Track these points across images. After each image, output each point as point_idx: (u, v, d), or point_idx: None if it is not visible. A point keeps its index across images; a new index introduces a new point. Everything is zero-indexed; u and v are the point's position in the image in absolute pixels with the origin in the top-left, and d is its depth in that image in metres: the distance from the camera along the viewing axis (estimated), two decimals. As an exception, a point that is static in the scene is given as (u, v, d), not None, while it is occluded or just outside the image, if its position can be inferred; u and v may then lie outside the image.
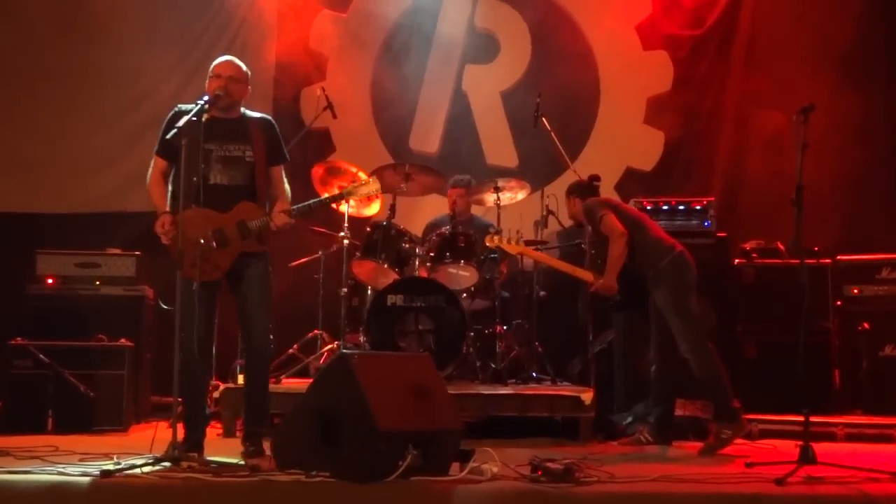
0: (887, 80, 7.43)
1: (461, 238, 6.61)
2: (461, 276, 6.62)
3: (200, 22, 8.20)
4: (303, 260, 7.07)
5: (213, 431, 5.79)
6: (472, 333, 6.51)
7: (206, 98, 4.67)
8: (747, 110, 7.77)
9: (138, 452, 4.48)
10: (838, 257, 6.48)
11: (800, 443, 4.47)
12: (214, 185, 4.78)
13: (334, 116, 6.75)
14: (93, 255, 6.68)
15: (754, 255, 6.60)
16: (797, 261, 4.97)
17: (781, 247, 6.52)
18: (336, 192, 6.64)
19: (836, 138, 6.88)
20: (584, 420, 5.71)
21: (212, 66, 4.94)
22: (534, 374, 6.52)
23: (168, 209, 4.74)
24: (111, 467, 4.06)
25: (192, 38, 8.19)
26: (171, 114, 4.78)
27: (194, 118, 4.52)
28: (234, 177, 4.84)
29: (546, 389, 6.05)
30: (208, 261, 4.71)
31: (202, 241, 4.65)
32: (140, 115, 8.03)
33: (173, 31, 8.15)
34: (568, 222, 7.05)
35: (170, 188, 4.85)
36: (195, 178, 4.63)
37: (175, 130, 4.48)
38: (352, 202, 6.74)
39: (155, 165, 4.87)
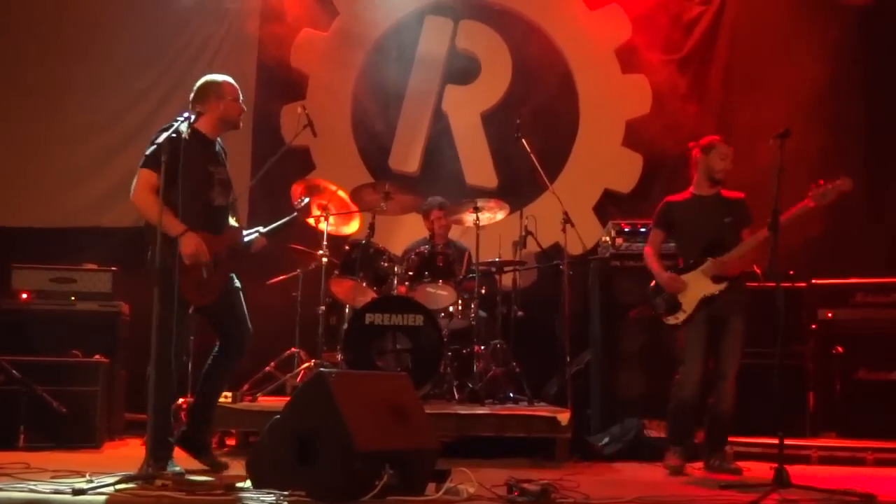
0: (862, 107, 7.53)
1: (440, 257, 6.62)
2: (439, 295, 6.62)
3: (180, 39, 8.20)
4: (281, 277, 7.05)
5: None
6: (449, 353, 6.51)
7: (186, 115, 4.67)
8: (725, 133, 7.82)
9: (111, 470, 4.44)
10: (813, 281, 6.54)
11: (774, 465, 4.50)
12: (217, 208, 4.84)
13: (314, 135, 6.70)
14: (68, 269, 6.63)
15: (731, 278, 6.63)
16: (773, 284, 5.01)
17: (758, 270, 6.56)
18: (316, 210, 6.67)
19: (811, 164, 6.95)
20: (561, 441, 5.71)
21: (228, 87, 4.92)
22: (511, 395, 6.52)
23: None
24: (83, 485, 4.02)
25: (172, 55, 8.18)
26: (168, 132, 4.58)
27: (174, 135, 4.52)
28: (226, 199, 4.91)
29: (523, 410, 6.05)
30: (206, 284, 4.74)
31: (204, 267, 4.68)
32: (118, 131, 8.02)
33: (152, 47, 8.14)
34: (546, 243, 7.09)
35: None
36: (200, 201, 4.71)
37: (155, 146, 4.50)
38: (331, 219, 6.74)
39: (148, 181, 4.64)
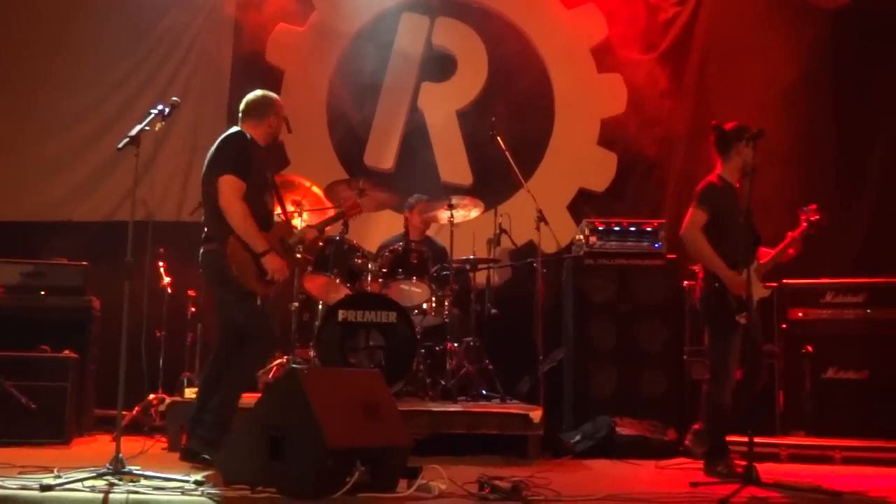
0: (832, 108, 7.59)
1: (414, 255, 6.61)
2: (413, 292, 6.62)
3: (155, 32, 8.12)
4: (254, 273, 7.00)
5: (157, 445, 5.71)
6: (422, 350, 6.51)
7: (160, 107, 4.66)
8: (699, 133, 7.89)
9: (80, 466, 4.39)
10: (783, 281, 6.59)
11: (744, 463, 4.54)
12: (270, 210, 5.22)
13: (289, 130, 6.66)
14: (39, 264, 6.57)
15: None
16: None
17: (729, 270, 6.61)
18: (289, 205, 6.64)
19: (783, 164, 7.03)
20: (533, 438, 5.73)
21: (280, 105, 5.29)
22: (483, 392, 6.53)
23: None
24: (52, 481, 3.99)
25: (147, 48, 8.11)
26: (243, 139, 5.01)
27: (147, 128, 4.52)
28: (273, 202, 5.31)
29: (495, 407, 6.06)
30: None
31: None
32: (91, 123, 7.95)
33: (127, 40, 8.07)
34: (520, 241, 7.10)
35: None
36: (262, 203, 5.02)
37: (128, 139, 4.47)
38: (305, 216, 6.72)
39: (239, 187, 4.88)
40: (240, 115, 5.24)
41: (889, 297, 6.36)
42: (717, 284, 5.15)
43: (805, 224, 5.29)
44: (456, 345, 6.70)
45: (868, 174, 7.63)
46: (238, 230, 4.85)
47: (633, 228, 6.79)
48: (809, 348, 6.37)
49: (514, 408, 5.98)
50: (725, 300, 5.09)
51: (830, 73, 7.72)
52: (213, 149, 5.08)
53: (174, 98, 4.81)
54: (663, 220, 6.92)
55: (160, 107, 4.65)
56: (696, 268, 6.67)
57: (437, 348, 6.72)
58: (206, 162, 5.11)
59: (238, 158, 4.93)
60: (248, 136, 5.07)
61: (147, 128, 4.52)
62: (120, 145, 4.53)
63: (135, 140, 4.46)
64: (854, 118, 7.61)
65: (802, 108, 7.38)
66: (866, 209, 7.59)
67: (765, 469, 4.63)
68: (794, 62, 7.54)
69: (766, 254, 5.30)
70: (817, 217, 5.29)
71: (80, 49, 8.00)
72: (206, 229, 5.08)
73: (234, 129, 5.13)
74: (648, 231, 6.78)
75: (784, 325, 6.58)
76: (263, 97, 5.23)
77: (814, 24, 7.75)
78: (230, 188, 4.86)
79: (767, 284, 5.47)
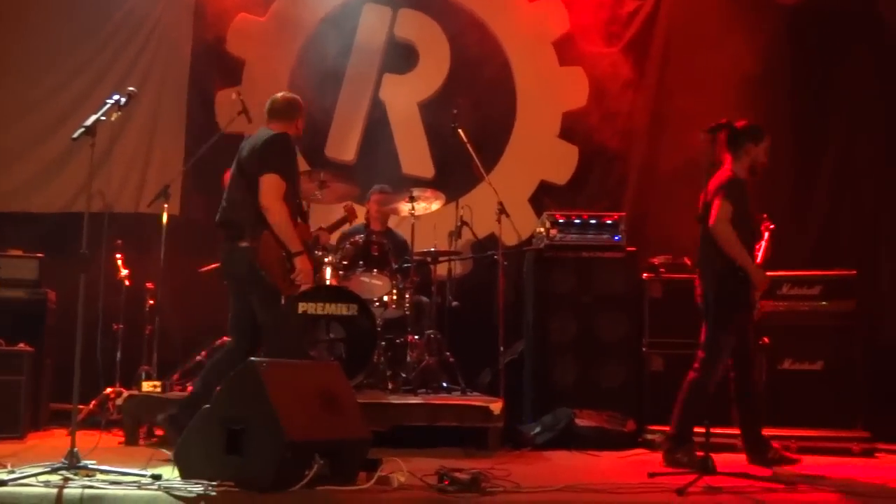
0: (790, 102, 7.68)
1: (375, 247, 6.60)
2: (374, 284, 6.60)
3: (114, 18, 8.02)
4: (213, 265, 6.93)
5: (114, 439, 5.66)
6: (383, 343, 6.49)
7: (116, 97, 4.60)
8: (659, 127, 7.96)
9: (35, 461, 4.34)
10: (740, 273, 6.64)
11: (701, 454, 4.58)
12: (299, 205, 5.28)
13: (249, 121, 6.66)
14: (-7, 256, 6.47)
15: (662, 269, 6.74)
16: (701, 275, 5.10)
17: (688, 262, 6.68)
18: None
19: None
20: (493, 430, 5.74)
21: (304, 108, 5.37)
22: (444, 384, 6.53)
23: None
24: (5, 476, 3.94)
25: (106, 34, 8.01)
26: (288, 140, 5.05)
27: (103, 118, 4.46)
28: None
29: (456, 399, 6.07)
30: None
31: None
32: (49, 111, 7.85)
33: (85, 28, 7.96)
34: (481, 234, 7.11)
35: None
36: (295, 201, 5.10)
37: (83, 129, 4.41)
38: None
39: (280, 187, 4.91)
40: (267, 115, 5.24)
41: (844, 290, 6.45)
42: (731, 280, 5.17)
43: (767, 234, 5.47)
44: (416, 337, 6.70)
45: (824, 167, 7.74)
46: (277, 228, 4.90)
47: (593, 221, 6.83)
48: (766, 340, 6.44)
49: (475, 400, 5.99)
50: (738, 294, 5.17)
51: (789, 69, 7.80)
52: (253, 147, 5.06)
53: (131, 88, 4.74)
54: (623, 213, 6.98)
55: (116, 97, 4.59)
56: (657, 260, 6.82)
57: (397, 341, 6.71)
58: (241, 159, 5.10)
59: (283, 159, 5.01)
60: (290, 137, 5.13)
61: (103, 118, 4.47)
62: (75, 135, 4.46)
63: (90, 130, 4.39)
64: (811, 113, 7.72)
65: (762, 103, 7.44)
66: (822, 202, 7.69)
67: (721, 459, 4.69)
68: (754, 56, 7.61)
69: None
70: (773, 226, 5.51)
71: (37, 36, 7.88)
72: (228, 225, 5.05)
73: (270, 130, 5.12)
74: (608, 224, 6.82)
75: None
76: (293, 99, 5.31)
77: (773, 20, 7.83)
78: (274, 187, 4.90)
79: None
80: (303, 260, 4.97)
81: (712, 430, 4.71)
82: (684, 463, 5.01)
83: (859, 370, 6.35)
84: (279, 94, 5.33)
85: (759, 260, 5.45)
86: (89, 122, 4.42)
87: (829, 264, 6.63)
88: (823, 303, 6.46)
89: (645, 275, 6.74)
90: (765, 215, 5.53)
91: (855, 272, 6.52)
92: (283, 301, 5.11)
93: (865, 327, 6.53)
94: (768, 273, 5.42)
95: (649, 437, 6.13)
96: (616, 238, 6.78)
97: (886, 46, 7.70)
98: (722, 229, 5.18)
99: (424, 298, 7.00)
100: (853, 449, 5.92)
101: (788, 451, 5.61)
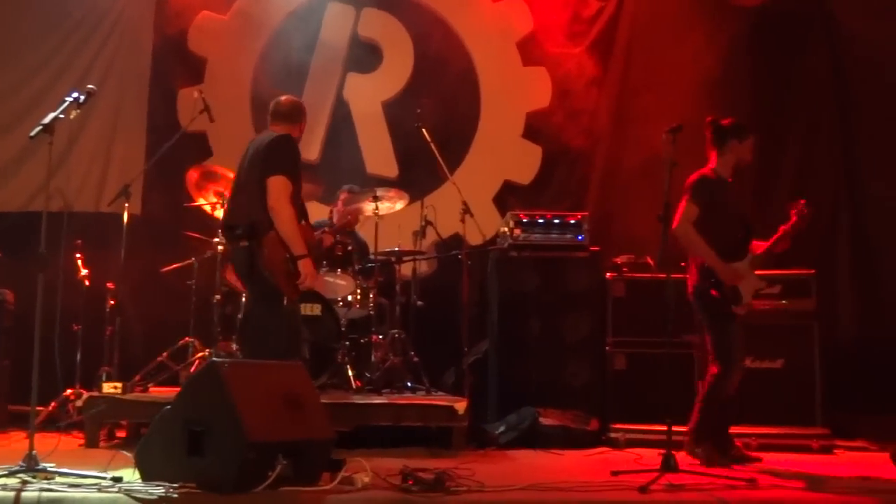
0: (750, 103, 7.75)
1: (339, 247, 6.58)
2: (338, 284, 6.59)
3: (74, 15, 7.91)
4: (175, 265, 6.88)
5: (73, 441, 5.59)
6: (347, 343, 6.47)
7: (75, 94, 4.54)
8: (623, 127, 8.01)
9: (-8, 463, 4.27)
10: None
11: (663, 451, 4.62)
12: (302, 206, 5.27)
13: (211, 120, 6.61)
14: (-51, 256, 6.36)
15: (625, 268, 6.78)
16: (663, 275, 5.14)
17: (651, 261, 6.73)
18: (212, 197, 6.56)
19: (703, 158, 7.15)
20: (458, 429, 5.74)
21: (306, 112, 5.49)
22: (409, 384, 6.52)
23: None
24: (-40, 479, 3.87)
25: (66, 31, 7.90)
26: (294, 142, 5.18)
27: (61, 115, 4.40)
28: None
29: (420, 399, 6.06)
30: (297, 277, 5.12)
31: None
32: (8, 108, 7.74)
33: (47, 22, 7.85)
34: (446, 233, 7.11)
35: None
36: (298, 203, 5.12)
37: (41, 127, 4.35)
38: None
39: (288, 188, 4.99)
40: (270, 117, 5.32)
41: (803, 289, 6.52)
42: (713, 279, 5.27)
43: (795, 218, 5.35)
44: (381, 337, 6.69)
45: (784, 167, 7.83)
46: (282, 229, 4.95)
47: (556, 221, 6.86)
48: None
49: (439, 399, 5.99)
50: (721, 292, 5.25)
51: (749, 69, 7.89)
52: (257, 149, 5.13)
53: (90, 86, 4.68)
54: (586, 213, 7.01)
55: (75, 94, 4.54)
56: (620, 259, 6.86)
57: (361, 341, 6.70)
58: (245, 161, 5.17)
59: (289, 160, 5.08)
60: (294, 139, 5.19)
61: (62, 116, 4.41)
62: (32, 133, 4.41)
63: (48, 128, 4.34)
64: (771, 113, 7.79)
65: (723, 103, 7.51)
66: (782, 202, 7.74)
67: (683, 457, 4.73)
68: (715, 57, 7.69)
69: (758, 246, 5.42)
70: (806, 212, 5.36)
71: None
72: (234, 226, 5.12)
73: (275, 132, 5.20)
74: (572, 223, 6.85)
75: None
76: (297, 102, 5.44)
77: (733, 22, 7.92)
78: (281, 189, 4.96)
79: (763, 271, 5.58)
80: (306, 263, 5.01)
81: (674, 428, 4.75)
82: (699, 457, 5.13)
83: (818, 368, 6.43)
84: (283, 97, 5.42)
85: (761, 249, 5.38)
86: (47, 119, 4.37)
87: (788, 264, 6.71)
88: (783, 302, 6.52)
89: (608, 274, 6.77)
90: (802, 201, 5.42)
91: (814, 271, 6.60)
92: (284, 302, 5.09)
93: (824, 326, 6.61)
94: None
95: (613, 435, 6.17)
96: (579, 238, 6.81)
97: (841, 47, 7.82)
98: (683, 231, 5.25)
99: (385, 301, 6.99)
100: (812, 446, 6.00)
101: (749, 448, 5.68)
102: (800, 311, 6.47)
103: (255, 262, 4.98)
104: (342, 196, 7.15)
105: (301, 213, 5.19)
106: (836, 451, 6.10)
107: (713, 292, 5.26)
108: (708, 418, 5.31)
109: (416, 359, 6.62)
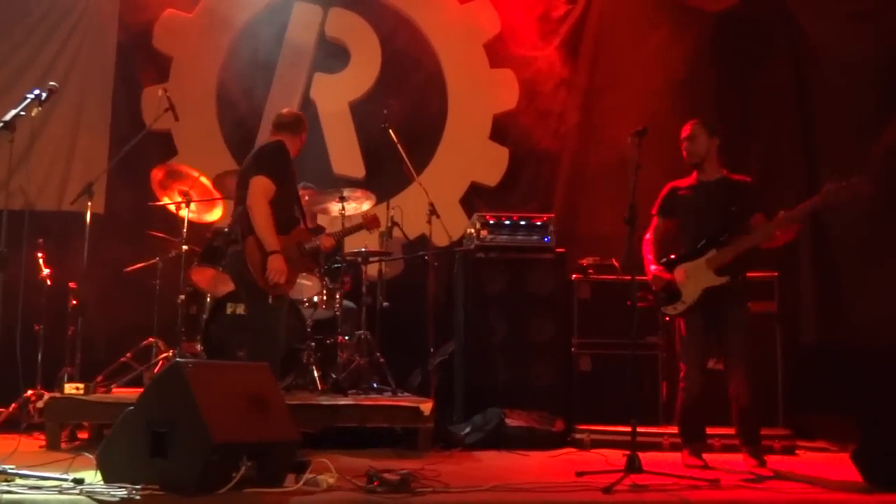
0: (715, 107, 7.82)
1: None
2: (303, 285, 6.55)
3: (36, 12, 7.81)
4: (139, 265, 6.82)
5: (34, 443, 5.51)
6: (312, 343, 6.45)
7: (37, 92, 4.50)
8: (589, 129, 8.05)
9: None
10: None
11: (627, 452, 4.65)
12: (297, 219, 5.43)
13: (176, 119, 6.56)
14: None
15: (590, 270, 6.82)
16: (628, 277, 5.17)
17: (616, 263, 6.77)
18: (176, 196, 6.52)
19: (668, 161, 7.21)
20: (424, 430, 5.74)
21: (306, 123, 5.63)
22: (375, 385, 6.51)
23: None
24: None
25: (27, 27, 7.79)
26: (283, 148, 5.26)
27: (22, 113, 4.35)
28: (300, 213, 5.53)
29: (386, 400, 6.05)
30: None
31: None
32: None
33: (8, 17, 7.74)
34: (412, 234, 7.10)
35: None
36: (288, 213, 5.28)
37: (1, 124, 4.29)
38: (192, 206, 6.58)
39: (268, 189, 5.09)
40: (273, 129, 5.51)
41: (764, 291, 6.59)
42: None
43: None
44: (347, 338, 6.67)
45: (747, 173, 7.88)
46: (256, 227, 5.06)
47: (523, 222, 6.88)
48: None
49: (405, 401, 5.98)
50: (654, 296, 5.42)
51: (714, 72, 7.97)
52: (250, 156, 5.35)
53: (52, 83, 4.63)
54: (552, 215, 7.05)
55: (36, 91, 4.49)
56: (585, 261, 6.89)
57: (327, 341, 6.67)
58: (241, 170, 5.41)
59: (274, 163, 5.19)
60: (286, 146, 5.31)
61: (22, 113, 4.35)
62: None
63: (9, 126, 4.28)
64: (735, 115, 7.85)
65: (688, 104, 7.58)
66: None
67: (647, 458, 4.76)
68: (680, 61, 7.76)
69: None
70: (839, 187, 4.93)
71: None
72: (230, 232, 5.36)
73: (272, 139, 5.38)
74: (538, 225, 6.88)
75: (667, 318, 6.73)
76: (297, 115, 5.65)
77: (698, 26, 8.00)
78: (260, 188, 5.08)
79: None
80: (273, 259, 5.05)
81: (638, 429, 4.78)
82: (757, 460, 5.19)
83: (780, 370, 6.50)
84: (285, 110, 5.72)
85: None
86: (8, 117, 4.33)
87: (751, 266, 6.77)
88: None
89: (574, 276, 6.81)
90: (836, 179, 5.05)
91: (777, 274, 6.67)
92: (269, 301, 5.15)
93: (786, 328, 6.68)
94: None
95: (578, 436, 6.20)
96: (545, 239, 6.84)
97: (804, 54, 7.91)
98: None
99: (352, 304, 6.97)
100: (774, 446, 6.06)
101: (712, 449, 5.73)
102: (762, 313, 6.53)
103: (242, 264, 5.10)
104: (306, 195, 7.10)
105: (286, 224, 5.26)
106: (797, 451, 6.17)
107: (649, 297, 5.36)
108: (683, 424, 5.44)
109: (382, 360, 6.61)
